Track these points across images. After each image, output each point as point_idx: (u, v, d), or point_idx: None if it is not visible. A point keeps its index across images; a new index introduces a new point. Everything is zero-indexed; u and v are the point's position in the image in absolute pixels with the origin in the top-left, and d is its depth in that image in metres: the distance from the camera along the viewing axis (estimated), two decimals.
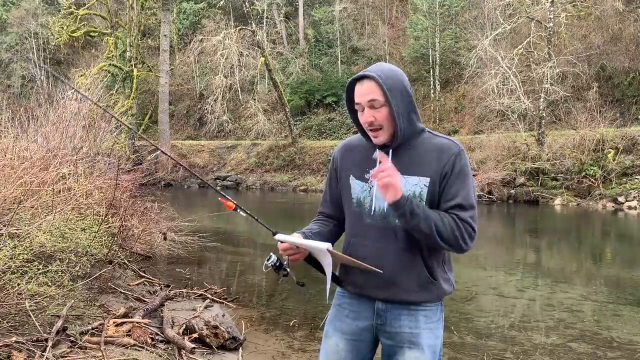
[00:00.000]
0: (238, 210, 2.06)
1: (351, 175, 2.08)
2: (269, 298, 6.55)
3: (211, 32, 29.78)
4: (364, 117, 1.97)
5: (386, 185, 1.84)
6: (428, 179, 1.95)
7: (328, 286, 2.02)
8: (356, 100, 1.99)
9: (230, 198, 2.05)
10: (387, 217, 1.98)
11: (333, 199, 2.20)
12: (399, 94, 1.94)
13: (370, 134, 1.99)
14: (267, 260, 2.02)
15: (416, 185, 1.96)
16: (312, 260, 2.04)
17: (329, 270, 1.97)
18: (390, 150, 1.99)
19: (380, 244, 1.96)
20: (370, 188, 2.02)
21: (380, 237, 1.98)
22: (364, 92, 1.95)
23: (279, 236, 1.98)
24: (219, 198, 2.06)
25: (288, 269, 2.03)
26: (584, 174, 18.74)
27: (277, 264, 2.02)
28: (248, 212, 2.06)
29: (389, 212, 1.97)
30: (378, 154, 1.94)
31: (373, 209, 2.01)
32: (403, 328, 2.01)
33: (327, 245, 1.86)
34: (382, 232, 1.97)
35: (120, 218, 6.54)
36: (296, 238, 1.99)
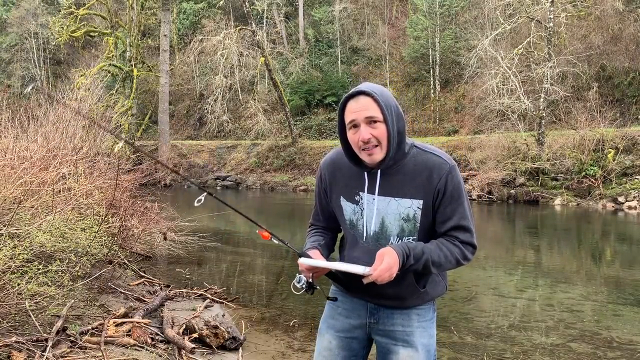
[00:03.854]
0: (272, 239, 2.01)
1: (342, 197, 2.06)
2: (269, 298, 6.54)
3: (211, 32, 29.81)
4: (361, 135, 1.85)
5: (383, 280, 1.82)
6: (421, 202, 1.92)
7: None
8: (350, 117, 1.87)
9: (265, 228, 2.03)
10: (379, 240, 1.99)
11: (325, 213, 2.19)
12: (394, 112, 1.88)
13: (365, 153, 1.89)
14: (298, 283, 1.97)
15: (409, 208, 1.94)
16: (329, 273, 2.03)
17: None
18: (379, 173, 1.95)
19: (373, 261, 1.91)
20: (362, 210, 2.00)
21: (373, 257, 1.91)
22: (361, 107, 1.85)
23: (303, 260, 1.93)
24: (257, 231, 2.01)
25: (317, 286, 2.02)
26: (584, 174, 18.74)
27: (307, 285, 1.98)
28: (282, 239, 2.02)
29: (380, 236, 1.98)
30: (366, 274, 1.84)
31: (365, 233, 2.01)
32: (396, 326, 2.03)
33: (367, 270, 1.83)
34: (375, 253, 1.90)
35: (120, 218, 6.54)
36: (327, 262, 1.95)
